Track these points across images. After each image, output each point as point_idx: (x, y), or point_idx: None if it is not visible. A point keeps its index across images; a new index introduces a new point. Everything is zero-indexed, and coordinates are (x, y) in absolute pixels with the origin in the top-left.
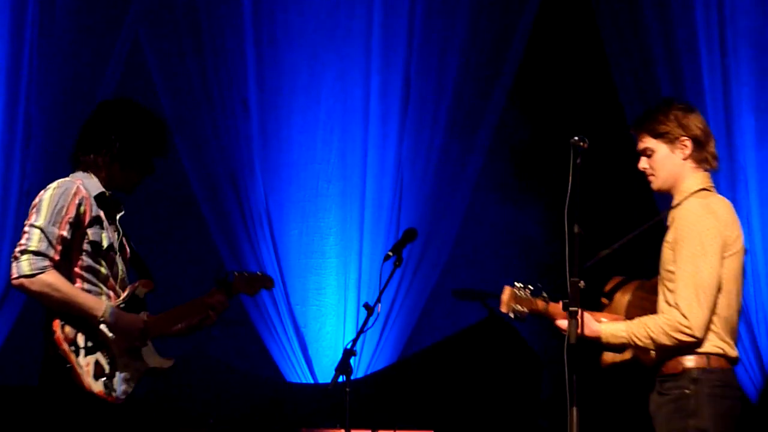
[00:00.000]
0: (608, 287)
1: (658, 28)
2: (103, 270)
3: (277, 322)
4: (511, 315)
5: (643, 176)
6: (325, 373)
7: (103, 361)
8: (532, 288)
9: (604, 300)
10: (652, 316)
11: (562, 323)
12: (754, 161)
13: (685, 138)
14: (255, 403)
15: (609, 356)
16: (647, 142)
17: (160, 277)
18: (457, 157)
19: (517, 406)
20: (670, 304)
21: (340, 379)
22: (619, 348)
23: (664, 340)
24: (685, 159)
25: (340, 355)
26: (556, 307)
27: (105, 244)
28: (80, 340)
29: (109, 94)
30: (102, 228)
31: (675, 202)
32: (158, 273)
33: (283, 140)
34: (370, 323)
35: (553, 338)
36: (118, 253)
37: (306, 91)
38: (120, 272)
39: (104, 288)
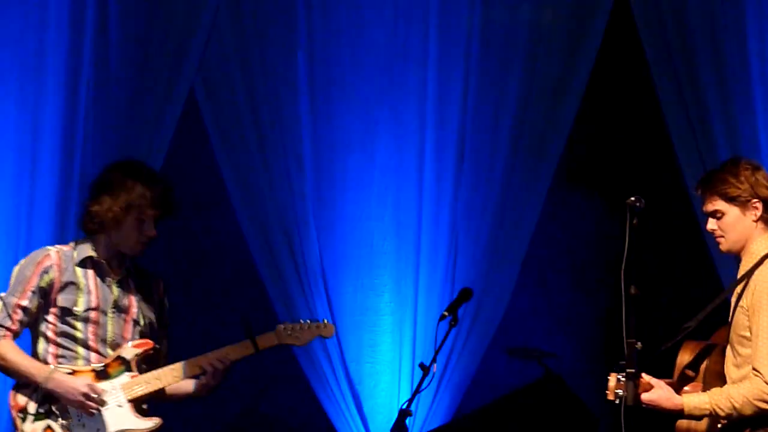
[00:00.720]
0: (686, 356)
1: (714, 81)
2: (79, 334)
3: (331, 379)
4: (616, 401)
5: (697, 235)
6: (380, 430)
7: (56, 427)
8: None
9: (689, 372)
10: (734, 385)
11: (648, 396)
12: None
13: (756, 201)
14: None
15: (684, 423)
16: (717, 204)
17: (216, 336)
18: (513, 215)
19: None
20: (737, 367)
21: None
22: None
23: (748, 410)
24: (756, 221)
25: (394, 413)
26: (643, 380)
27: (80, 308)
28: (31, 407)
29: (163, 154)
30: (79, 292)
31: (745, 264)
32: (215, 331)
33: (337, 196)
34: (425, 383)
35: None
36: (109, 315)
37: (360, 147)
38: (109, 333)
39: (81, 351)
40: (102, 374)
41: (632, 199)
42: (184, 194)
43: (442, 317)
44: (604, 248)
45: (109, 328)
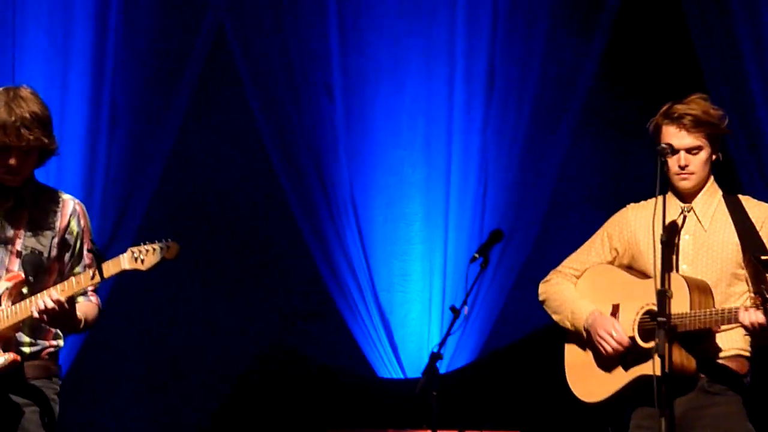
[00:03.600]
0: None
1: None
2: None
3: (362, 309)
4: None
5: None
6: (411, 361)
7: None
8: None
9: None
10: None
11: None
12: None
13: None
14: (342, 397)
15: None
16: (701, 140)
17: (248, 267)
18: (541, 147)
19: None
20: None
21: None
22: None
23: None
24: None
25: (425, 343)
26: None
27: None
28: None
29: (193, 82)
30: None
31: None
32: (245, 262)
33: (367, 125)
34: (456, 326)
35: None
36: None
37: (390, 76)
38: None
39: None
40: None
41: (663, 146)
42: (214, 126)
43: (473, 259)
44: (631, 185)
45: None
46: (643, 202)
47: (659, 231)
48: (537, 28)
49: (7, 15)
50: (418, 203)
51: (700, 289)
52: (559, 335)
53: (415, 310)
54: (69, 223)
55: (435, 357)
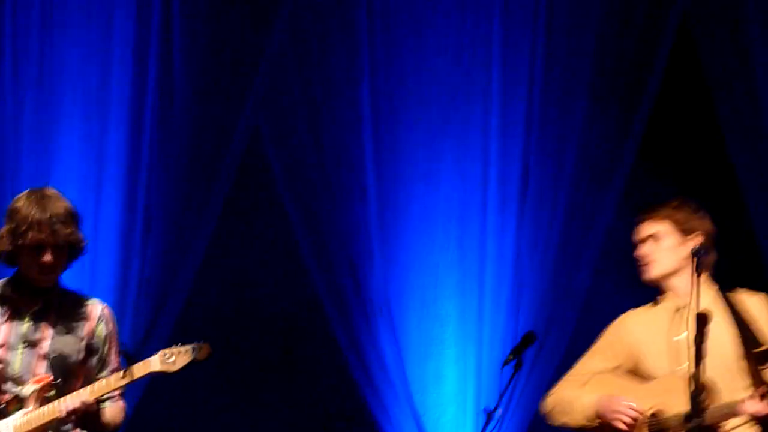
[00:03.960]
0: None
1: None
2: None
3: (396, 412)
4: None
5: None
6: None
7: None
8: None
9: None
10: None
11: None
12: None
13: (699, 233)
14: None
15: None
16: (658, 227)
17: (281, 370)
18: (577, 243)
19: None
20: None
21: None
22: None
23: None
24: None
25: None
26: None
27: None
28: None
29: (227, 186)
30: None
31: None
32: (278, 366)
33: (401, 228)
34: (489, 429)
35: None
36: (19, 350)
37: (424, 179)
38: (16, 370)
39: None
40: (2, 413)
41: (697, 247)
42: (248, 229)
43: (507, 361)
44: None
45: (17, 364)
46: (641, 308)
47: (661, 332)
48: (570, 129)
49: (43, 118)
50: (452, 305)
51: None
52: None
53: (449, 412)
54: (96, 327)
55: None
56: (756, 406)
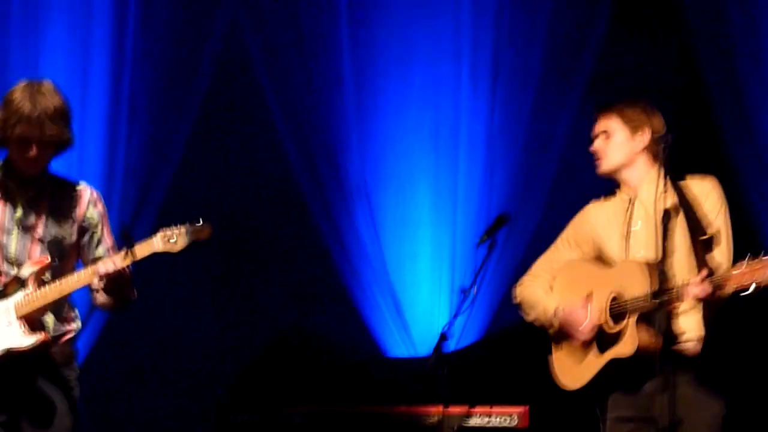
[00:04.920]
0: None
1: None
2: None
3: (375, 290)
4: None
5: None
6: (421, 339)
7: None
8: None
9: None
10: None
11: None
12: None
13: (648, 129)
14: (354, 376)
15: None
16: (610, 123)
17: (262, 251)
18: (545, 133)
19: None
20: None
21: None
22: None
23: None
24: (641, 150)
25: (434, 322)
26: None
27: None
28: None
29: (209, 72)
30: None
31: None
32: (260, 246)
33: (377, 114)
34: (464, 307)
35: None
36: (14, 233)
37: (398, 67)
38: (12, 252)
39: None
40: (2, 294)
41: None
42: (230, 116)
43: (481, 242)
44: None
45: (13, 246)
46: (601, 199)
47: (618, 223)
48: (540, 11)
49: (29, 12)
50: (427, 188)
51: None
52: None
53: (424, 290)
54: (87, 209)
55: (444, 336)
56: (696, 289)
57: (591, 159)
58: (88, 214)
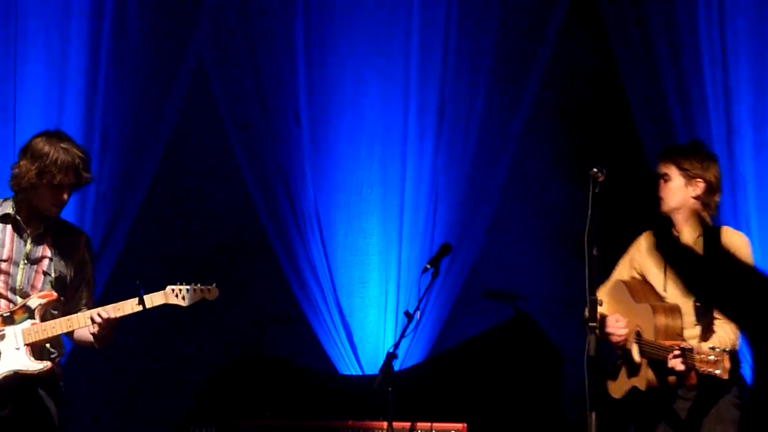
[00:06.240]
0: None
1: (667, 51)
2: None
3: (325, 312)
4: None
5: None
6: (368, 359)
7: None
8: None
9: None
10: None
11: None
12: (753, 170)
13: (701, 180)
14: (307, 393)
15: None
16: (668, 169)
17: (222, 276)
18: (487, 167)
19: (540, 398)
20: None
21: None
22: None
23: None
24: (694, 197)
25: (381, 344)
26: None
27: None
28: None
29: (176, 110)
30: None
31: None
32: (221, 272)
33: (330, 149)
34: (410, 329)
35: (578, 337)
36: (21, 266)
37: (351, 106)
38: (18, 282)
39: None
40: (8, 320)
41: (594, 170)
42: (194, 147)
43: (425, 270)
44: (570, 209)
45: (19, 277)
46: (656, 231)
47: (656, 258)
48: (482, 64)
49: (10, 47)
50: (375, 219)
51: (666, 313)
52: (500, 338)
53: (372, 314)
54: (84, 253)
55: (390, 356)
56: (672, 362)
57: (529, 195)
58: (85, 257)
